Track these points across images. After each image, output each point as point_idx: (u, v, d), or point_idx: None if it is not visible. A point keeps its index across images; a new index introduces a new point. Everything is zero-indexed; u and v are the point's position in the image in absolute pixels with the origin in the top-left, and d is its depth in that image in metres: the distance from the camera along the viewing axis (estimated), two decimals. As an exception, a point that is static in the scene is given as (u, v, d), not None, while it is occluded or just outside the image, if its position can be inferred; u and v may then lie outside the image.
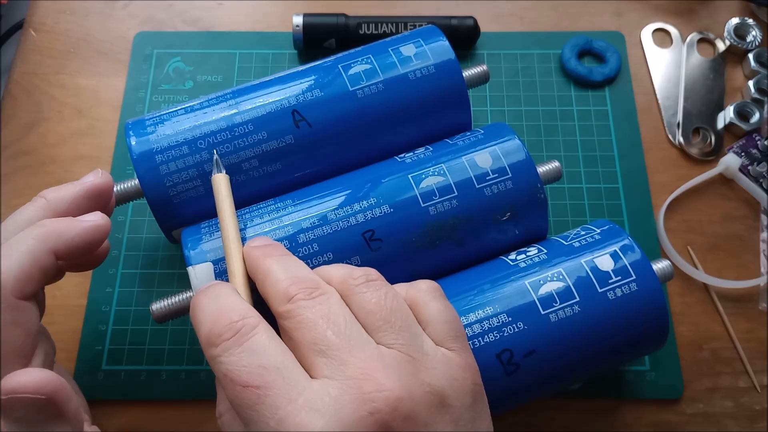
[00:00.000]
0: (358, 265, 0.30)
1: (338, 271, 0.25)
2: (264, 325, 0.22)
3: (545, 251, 0.30)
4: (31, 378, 0.23)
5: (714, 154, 0.40)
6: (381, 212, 0.30)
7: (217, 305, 0.23)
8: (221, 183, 0.29)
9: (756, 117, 0.41)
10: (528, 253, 0.30)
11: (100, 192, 0.28)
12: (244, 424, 0.21)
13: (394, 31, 0.42)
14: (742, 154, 0.40)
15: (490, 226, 0.31)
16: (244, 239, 0.30)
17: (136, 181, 0.32)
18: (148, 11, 0.45)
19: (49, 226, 0.26)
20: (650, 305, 0.29)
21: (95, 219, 0.27)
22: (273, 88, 0.33)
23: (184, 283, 0.36)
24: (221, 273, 0.29)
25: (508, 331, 0.28)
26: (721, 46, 0.44)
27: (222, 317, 0.22)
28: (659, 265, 0.30)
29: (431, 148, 0.33)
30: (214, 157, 0.30)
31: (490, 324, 0.28)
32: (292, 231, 0.30)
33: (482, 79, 0.36)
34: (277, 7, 0.45)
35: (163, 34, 0.44)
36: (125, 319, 0.35)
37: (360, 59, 0.34)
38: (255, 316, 0.23)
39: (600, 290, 0.28)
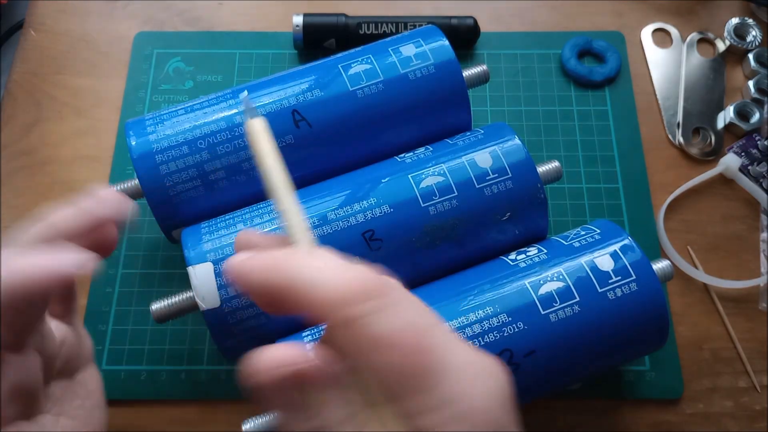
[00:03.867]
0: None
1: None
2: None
3: (545, 251, 0.30)
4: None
5: (714, 154, 0.40)
6: (381, 212, 0.30)
7: (335, 263, 0.20)
8: (260, 130, 0.23)
9: (756, 117, 0.41)
10: (528, 253, 0.30)
11: (106, 222, 0.24)
12: (396, 398, 0.18)
13: (394, 31, 0.42)
14: (742, 154, 0.40)
15: (490, 226, 0.31)
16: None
17: (136, 181, 0.32)
18: (148, 11, 0.45)
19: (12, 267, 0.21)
20: (650, 305, 0.29)
21: (63, 258, 0.21)
22: (273, 88, 0.33)
23: (184, 283, 0.36)
24: (221, 273, 0.29)
25: (508, 331, 0.28)
26: (721, 46, 0.44)
27: (360, 273, 0.19)
28: (659, 265, 0.30)
29: (431, 148, 0.33)
30: (244, 98, 0.24)
31: (490, 324, 0.28)
32: (292, 231, 0.30)
33: (482, 79, 0.36)
34: (277, 7, 0.45)
35: (163, 34, 0.44)
36: (125, 319, 0.35)
37: (360, 59, 0.34)
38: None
39: (600, 290, 0.28)
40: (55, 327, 0.26)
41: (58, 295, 0.29)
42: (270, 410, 0.22)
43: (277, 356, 0.19)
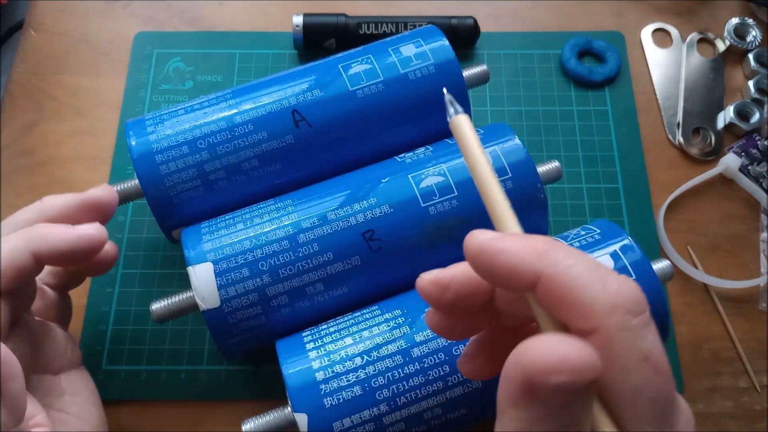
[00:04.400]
0: (358, 265, 0.30)
1: None
2: None
3: (545, 251, 0.30)
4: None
5: (714, 154, 0.40)
6: (381, 212, 0.30)
7: (592, 264, 0.18)
8: (465, 126, 0.22)
9: (756, 117, 0.41)
10: (528, 253, 0.30)
11: (96, 206, 0.29)
12: (646, 418, 0.17)
13: (394, 31, 0.42)
14: (742, 154, 0.40)
15: (490, 227, 0.31)
16: (242, 239, 0.30)
17: (136, 181, 0.32)
18: (148, 11, 0.45)
19: (37, 230, 0.26)
20: (650, 305, 0.29)
21: (87, 229, 0.27)
22: (273, 88, 0.33)
23: (184, 283, 0.36)
24: (221, 273, 0.29)
25: (508, 331, 0.27)
26: (721, 46, 0.44)
27: (627, 280, 0.18)
28: (659, 265, 0.30)
29: (431, 148, 0.33)
30: (447, 97, 0.23)
31: (490, 324, 0.28)
32: (292, 231, 0.30)
33: (482, 79, 0.36)
34: (277, 7, 0.45)
35: (163, 34, 0.44)
36: (125, 319, 0.35)
37: (360, 59, 0.34)
38: None
39: (600, 290, 0.28)
40: (42, 323, 0.29)
41: (54, 298, 0.30)
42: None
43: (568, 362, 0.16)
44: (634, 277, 0.29)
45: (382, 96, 0.33)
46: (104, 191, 0.29)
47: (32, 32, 0.44)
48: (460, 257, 0.31)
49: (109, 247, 0.30)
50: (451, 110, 0.23)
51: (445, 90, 0.24)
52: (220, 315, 0.29)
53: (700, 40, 0.44)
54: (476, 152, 0.22)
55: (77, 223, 0.28)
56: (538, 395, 0.16)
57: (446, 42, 0.34)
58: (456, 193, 0.31)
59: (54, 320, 0.30)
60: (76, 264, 0.29)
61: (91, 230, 0.27)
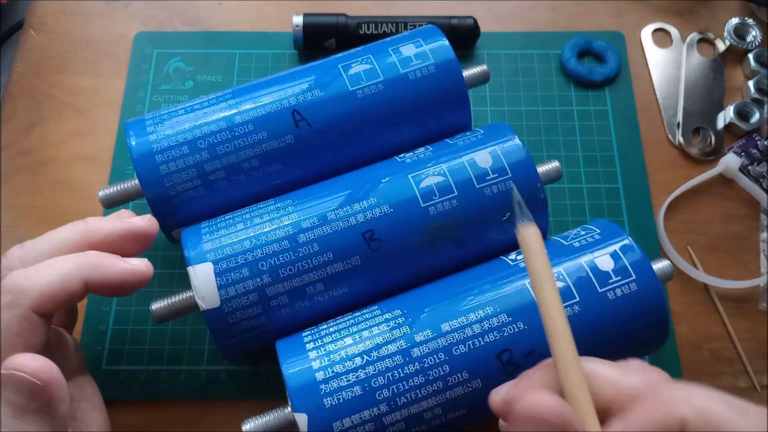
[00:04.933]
0: (358, 265, 0.30)
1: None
2: None
3: (545, 251, 0.30)
4: (33, 361, 0.23)
5: (714, 154, 0.40)
6: (381, 212, 0.30)
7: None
8: (535, 240, 0.20)
9: (756, 117, 0.41)
10: (528, 253, 0.30)
11: (140, 237, 0.28)
12: None
13: (394, 31, 0.42)
14: (742, 154, 0.40)
15: (490, 226, 0.31)
16: (242, 239, 0.30)
17: (136, 181, 0.32)
18: (148, 11, 0.45)
19: (91, 257, 0.26)
20: (650, 305, 0.29)
21: (137, 265, 0.27)
22: (273, 88, 0.33)
23: (184, 283, 0.36)
24: (221, 273, 0.29)
25: (508, 331, 0.28)
26: (721, 46, 0.44)
27: None
28: (659, 265, 0.30)
29: (431, 148, 0.33)
30: (516, 198, 0.21)
31: (490, 324, 0.28)
32: (292, 231, 0.30)
33: (482, 79, 0.36)
34: (277, 7, 0.45)
35: (163, 34, 0.44)
36: (125, 319, 0.35)
37: (360, 59, 0.34)
38: None
39: (600, 290, 0.28)
40: (55, 333, 0.28)
41: (64, 308, 0.30)
42: None
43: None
44: (633, 277, 0.29)
45: (382, 96, 0.33)
46: (148, 223, 0.29)
47: (32, 32, 0.44)
48: (460, 257, 0.31)
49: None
50: (521, 216, 0.21)
51: (514, 187, 0.23)
52: (220, 315, 0.29)
53: (700, 40, 0.44)
54: (544, 281, 0.20)
55: (118, 250, 0.28)
56: None
57: (446, 42, 0.34)
58: (456, 193, 0.31)
59: (62, 325, 0.30)
60: (118, 295, 0.29)
61: (142, 267, 0.27)
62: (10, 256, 0.26)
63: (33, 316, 0.25)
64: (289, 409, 0.27)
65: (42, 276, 0.25)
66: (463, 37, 0.42)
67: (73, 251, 0.27)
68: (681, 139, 0.41)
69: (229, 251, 0.29)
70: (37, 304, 0.25)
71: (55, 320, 0.30)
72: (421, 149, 0.33)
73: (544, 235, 0.33)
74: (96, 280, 0.26)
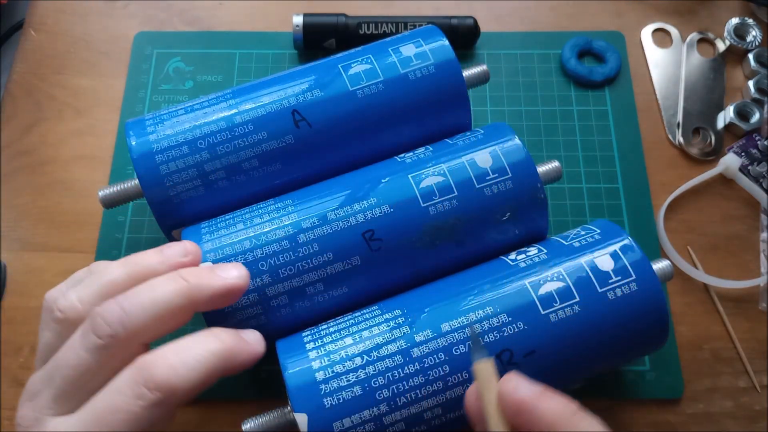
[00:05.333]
0: (358, 265, 0.30)
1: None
2: None
3: (545, 251, 0.30)
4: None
5: (714, 154, 0.40)
6: (381, 212, 0.30)
7: None
8: (488, 374, 0.24)
9: (756, 117, 0.41)
10: (528, 253, 0.30)
11: (238, 293, 0.27)
12: None
13: (394, 31, 0.42)
14: (742, 154, 0.40)
15: (490, 226, 0.31)
16: (242, 239, 0.30)
17: (136, 181, 0.32)
18: (148, 11, 0.45)
19: (227, 344, 0.25)
20: (650, 305, 0.29)
21: (259, 343, 0.27)
22: (273, 88, 0.33)
23: (184, 283, 0.36)
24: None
25: (508, 331, 0.28)
26: (721, 46, 0.44)
27: None
28: (659, 265, 0.30)
29: (431, 148, 0.33)
30: (472, 335, 0.25)
31: (490, 324, 0.28)
32: (292, 231, 0.30)
33: (482, 79, 0.36)
34: (277, 7, 0.45)
35: (163, 34, 0.44)
36: (125, 319, 0.35)
37: (360, 59, 0.34)
38: None
39: (600, 290, 0.28)
40: None
41: None
42: None
43: None
44: (633, 277, 0.29)
45: (382, 96, 0.33)
46: (246, 278, 0.27)
47: (32, 32, 0.44)
48: (460, 257, 0.31)
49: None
50: (476, 355, 0.24)
51: (472, 328, 0.26)
52: (220, 315, 0.29)
53: (700, 40, 0.44)
54: (493, 413, 0.23)
55: (211, 308, 0.27)
56: None
57: (446, 42, 0.34)
58: (456, 193, 0.31)
59: None
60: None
61: (263, 347, 0.27)
62: (110, 318, 0.24)
63: (175, 412, 0.25)
64: (289, 409, 0.27)
65: (191, 373, 0.24)
66: (463, 37, 0.42)
67: (178, 315, 0.26)
68: (681, 139, 0.41)
69: (229, 251, 0.29)
70: (181, 401, 0.24)
71: None
72: (421, 149, 0.33)
73: (544, 235, 0.33)
74: (231, 368, 0.25)
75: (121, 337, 0.24)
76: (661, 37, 0.45)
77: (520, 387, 0.23)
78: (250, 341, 0.26)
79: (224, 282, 0.26)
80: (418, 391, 0.27)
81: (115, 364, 0.24)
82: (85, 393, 0.24)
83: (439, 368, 0.27)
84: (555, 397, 0.23)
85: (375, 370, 0.27)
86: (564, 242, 0.31)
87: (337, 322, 0.29)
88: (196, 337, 0.25)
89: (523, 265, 0.30)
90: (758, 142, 0.40)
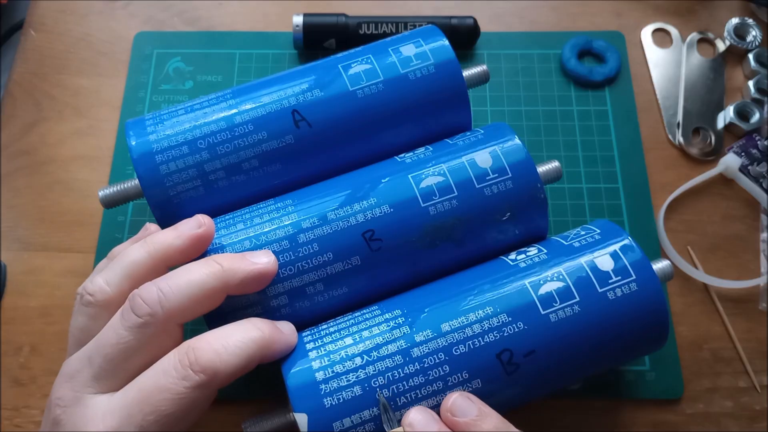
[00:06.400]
0: (358, 265, 0.30)
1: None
2: None
3: (545, 251, 0.30)
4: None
5: (714, 154, 0.41)
6: (381, 212, 0.30)
7: None
8: None
9: (756, 117, 0.41)
10: (528, 253, 0.30)
11: (269, 278, 0.28)
12: None
13: (394, 31, 0.42)
14: (742, 154, 0.40)
15: (490, 226, 0.31)
16: (242, 239, 0.30)
17: (136, 181, 0.32)
18: (148, 11, 0.45)
19: (266, 333, 0.26)
20: (650, 305, 0.29)
21: (293, 334, 0.28)
22: (273, 88, 0.33)
23: (184, 283, 0.36)
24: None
25: (508, 331, 0.28)
26: (721, 46, 0.44)
27: None
28: (659, 265, 0.30)
29: (431, 148, 0.33)
30: (381, 402, 0.26)
31: (490, 324, 0.28)
32: (292, 231, 0.30)
33: (482, 79, 0.36)
34: (277, 7, 0.45)
35: (163, 34, 0.44)
36: (125, 319, 0.35)
37: (360, 59, 0.34)
38: None
39: (600, 290, 0.28)
40: None
41: None
42: None
43: None
44: (633, 277, 0.29)
45: (382, 96, 0.33)
46: (274, 264, 0.28)
47: (32, 32, 0.44)
48: (460, 257, 0.31)
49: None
50: (389, 425, 0.26)
51: (380, 395, 0.26)
52: (220, 315, 0.29)
53: (700, 40, 0.44)
54: None
55: (243, 291, 0.28)
56: None
57: (446, 42, 0.34)
58: (456, 193, 0.31)
59: None
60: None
61: (295, 337, 0.28)
62: (148, 298, 0.26)
63: (214, 393, 0.26)
64: (289, 409, 0.27)
65: (233, 358, 0.25)
66: (463, 37, 0.42)
67: (212, 296, 0.27)
68: (681, 139, 0.41)
69: (229, 252, 0.29)
70: (222, 384, 0.25)
71: None
72: (421, 149, 0.33)
73: (544, 235, 0.33)
74: (267, 357, 0.27)
75: (159, 316, 0.25)
76: (661, 37, 0.45)
77: None
78: (285, 332, 0.28)
79: (255, 266, 0.27)
80: (418, 391, 0.27)
81: (154, 343, 0.26)
82: (124, 372, 0.26)
83: (439, 368, 0.27)
84: None
85: (375, 370, 0.27)
86: (564, 242, 0.31)
87: (337, 322, 0.29)
88: (237, 325, 0.26)
89: (523, 265, 0.30)
90: (758, 142, 0.40)
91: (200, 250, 0.29)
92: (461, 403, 0.26)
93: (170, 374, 0.25)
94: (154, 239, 0.28)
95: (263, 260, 0.28)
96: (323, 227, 0.30)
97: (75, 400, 0.25)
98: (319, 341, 0.28)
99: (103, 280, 0.27)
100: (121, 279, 0.27)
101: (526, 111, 0.42)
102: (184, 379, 0.24)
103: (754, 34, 0.44)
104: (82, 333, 0.27)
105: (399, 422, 0.26)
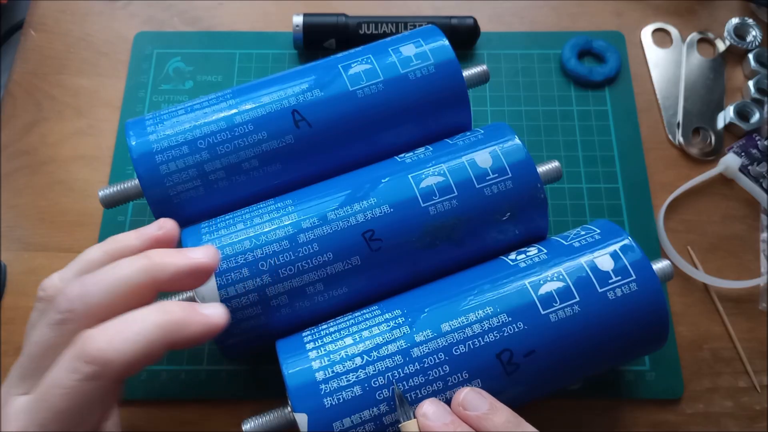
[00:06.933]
0: (358, 265, 0.30)
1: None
2: None
3: (545, 251, 0.30)
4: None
5: (714, 154, 0.40)
6: (381, 212, 0.30)
7: None
8: None
9: (756, 117, 0.41)
10: (528, 253, 0.30)
11: (205, 273, 0.27)
12: None
13: (394, 31, 0.42)
14: (742, 154, 0.40)
15: (490, 226, 0.31)
16: (242, 239, 0.30)
17: (136, 181, 0.32)
18: (148, 11, 0.45)
19: (172, 315, 0.24)
20: (650, 305, 0.29)
21: (218, 315, 0.25)
22: (273, 88, 0.33)
23: (184, 283, 0.36)
24: (221, 273, 0.29)
25: (508, 331, 0.28)
26: (721, 46, 0.44)
27: None
28: (659, 265, 0.30)
29: (431, 148, 0.33)
30: (397, 393, 0.26)
31: (490, 324, 0.28)
32: (292, 231, 0.30)
33: (482, 79, 0.36)
34: (277, 7, 0.45)
35: (163, 34, 0.44)
36: (125, 319, 0.35)
37: (360, 59, 0.34)
38: None
39: (600, 290, 0.28)
40: None
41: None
42: None
43: None
44: (633, 277, 0.29)
45: (382, 96, 0.33)
46: (213, 256, 0.27)
47: (32, 32, 0.44)
48: (460, 257, 0.31)
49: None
50: (402, 413, 0.26)
51: (396, 386, 0.26)
52: (220, 315, 0.29)
53: (700, 40, 0.44)
54: None
55: (179, 287, 0.26)
56: None
57: (446, 42, 0.34)
58: (456, 193, 0.31)
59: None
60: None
61: (223, 316, 0.25)
62: (70, 294, 0.24)
63: (114, 386, 0.24)
64: (289, 409, 0.27)
65: (127, 345, 0.23)
66: (463, 37, 0.42)
67: (138, 293, 0.25)
68: (681, 139, 0.41)
69: (229, 251, 0.29)
70: (121, 375, 0.23)
71: None
72: (421, 149, 0.33)
73: (544, 235, 0.33)
74: (180, 342, 0.24)
75: (79, 312, 0.24)
76: (661, 37, 0.45)
77: None
78: (208, 313, 0.25)
79: (188, 261, 0.26)
80: (418, 391, 0.27)
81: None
82: (44, 370, 0.24)
83: (439, 368, 0.27)
84: None
85: (375, 370, 0.27)
86: (564, 242, 0.31)
87: (337, 322, 0.29)
88: (142, 310, 0.25)
89: (523, 265, 0.30)
90: (758, 142, 0.40)
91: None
92: (473, 397, 0.26)
93: (62, 368, 0.23)
94: (115, 238, 0.27)
95: (198, 254, 0.26)
96: (323, 227, 0.30)
97: (4, 400, 0.24)
98: (319, 341, 0.28)
99: (57, 276, 0.26)
100: (74, 275, 0.26)
101: (526, 111, 0.42)
102: (73, 372, 0.23)
103: (754, 34, 0.44)
104: (30, 328, 0.26)
105: (413, 414, 0.26)
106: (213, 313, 0.25)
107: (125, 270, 0.25)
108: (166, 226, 0.28)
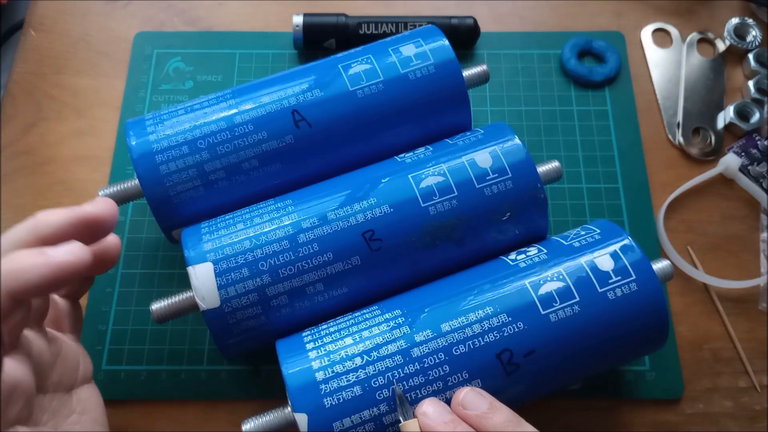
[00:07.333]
0: (358, 265, 0.30)
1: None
2: None
3: (545, 251, 0.30)
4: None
5: (714, 154, 0.40)
6: (381, 212, 0.30)
7: None
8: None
9: (756, 117, 0.41)
10: (528, 253, 0.30)
11: (95, 224, 0.25)
12: None
13: (394, 31, 0.42)
14: (742, 154, 0.40)
15: (490, 226, 0.31)
16: (242, 239, 0.30)
17: (136, 181, 0.32)
18: (148, 11, 0.45)
19: (12, 263, 0.22)
20: (650, 305, 0.29)
21: (65, 255, 0.23)
22: (273, 88, 0.33)
23: (184, 283, 0.36)
24: (221, 273, 0.29)
25: (508, 331, 0.28)
26: (721, 46, 0.44)
27: None
28: (659, 265, 0.30)
29: (431, 148, 0.33)
30: (397, 393, 0.26)
31: (490, 324, 0.28)
32: (292, 231, 0.30)
33: (482, 79, 0.36)
34: (277, 7, 0.45)
35: (163, 34, 0.44)
36: (125, 319, 0.35)
37: (360, 59, 0.34)
38: None
39: (600, 290, 0.28)
40: (53, 339, 0.27)
41: (65, 307, 0.29)
42: None
43: None
44: (633, 277, 0.29)
45: (382, 96, 0.33)
46: (103, 207, 0.26)
47: (32, 32, 0.44)
48: (460, 257, 0.31)
49: (113, 242, 0.28)
50: (402, 413, 0.26)
51: (396, 386, 0.27)
52: (220, 315, 0.29)
53: (700, 40, 0.44)
54: None
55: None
56: None
57: (446, 42, 0.34)
58: (456, 193, 0.31)
59: (66, 331, 0.29)
60: (64, 289, 0.28)
61: (70, 256, 0.23)
62: None
63: None
64: (289, 409, 0.27)
65: None
66: (463, 37, 0.42)
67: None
68: (681, 139, 0.41)
69: (229, 251, 0.29)
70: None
71: (59, 326, 0.29)
72: (421, 149, 0.33)
73: (544, 235, 0.33)
74: (21, 290, 0.22)
75: None
76: (661, 37, 0.45)
77: None
78: (51, 254, 0.23)
79: (74, 212, 0.25)
80: (418, 391, 0.27)
81: None
82: None
83: (439, 368, 0.27)
84: None
85: (375, 370, 0.27)
86: (564, 242, 0.31)
87: (337, 322, 0.29)
88: None
89: (523, 265, 0.30)
90: (758, 142, 0.40)
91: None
92: (473, 397, 0.26)
93: None
94: (43, 215, 0.25)
95: (87, 207, 0.25)
96: (323, 227, 0.30)
97: None
98: (319, 341, 0.28)
99: None
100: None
101: (526, 111, 0.42)
102: None
103: (754, 34, 0.44)
104: None
105: (413, 414, 0.26)
106: (57, 253, 0.23)
107: (12, 232, 0.24)
108: (99, 203, 0.26)
